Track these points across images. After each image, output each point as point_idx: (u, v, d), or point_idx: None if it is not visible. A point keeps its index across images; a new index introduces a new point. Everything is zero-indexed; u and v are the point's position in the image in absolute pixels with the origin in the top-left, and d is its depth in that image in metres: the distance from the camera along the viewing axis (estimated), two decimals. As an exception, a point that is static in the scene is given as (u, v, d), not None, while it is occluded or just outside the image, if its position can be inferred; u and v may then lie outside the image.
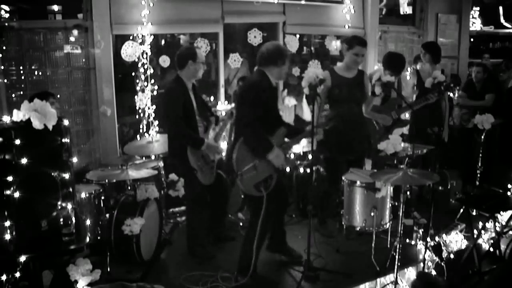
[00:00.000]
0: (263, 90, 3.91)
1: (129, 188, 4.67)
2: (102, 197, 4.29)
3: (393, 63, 5.40)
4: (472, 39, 9.79)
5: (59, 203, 2.87)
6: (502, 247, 4.63)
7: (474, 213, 5.28)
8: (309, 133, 4.03)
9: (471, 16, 9.70)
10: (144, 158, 5.29)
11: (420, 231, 4.64)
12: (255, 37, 6.55)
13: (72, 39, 5.54)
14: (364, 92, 4.98)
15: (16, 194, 2.72)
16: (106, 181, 4.50)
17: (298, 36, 7.04)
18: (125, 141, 5.94)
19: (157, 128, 5.89)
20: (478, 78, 7.11)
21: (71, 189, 2.93)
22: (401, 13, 8.40)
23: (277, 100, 4.30)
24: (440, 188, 5.73)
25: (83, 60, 5.62)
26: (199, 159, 4.45)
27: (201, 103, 4.63)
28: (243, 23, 6.91)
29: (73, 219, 2.93)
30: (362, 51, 4.81)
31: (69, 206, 2.91)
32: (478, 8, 10.33)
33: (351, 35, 5.63)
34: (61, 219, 2.88)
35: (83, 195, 4.10)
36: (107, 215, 4.32)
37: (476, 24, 10.25)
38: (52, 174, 2.84)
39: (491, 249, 4.66)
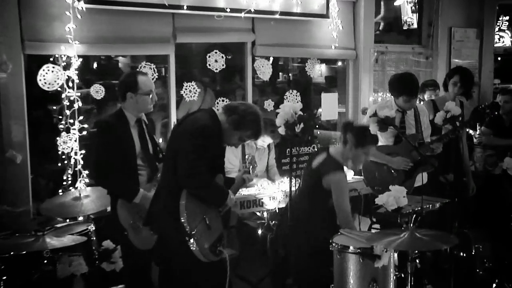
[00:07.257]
0: (215, 135, 4.13)
1: (45, 262, 4.61)
2: (4, 277, 4.18)
3: (396, 83, 5.53)
4: (499, 58, 9.88)
5: None
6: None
7: (512, 288, 5.23)
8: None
9: (496, 29, 9.73)
10: (68, 220, 5.23)
11: (437, 312, 4.57)
12: (216, 61, 6.50)
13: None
14: None
15: None
16: (12, 253, 4.25)
17: (271, 59, 7.09)
18: (42, 198, 5.73)
19: (86, 180, 5.74)
20: (506, 109, 7.06)
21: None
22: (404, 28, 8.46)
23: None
24: (461, 254, 5.61)
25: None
26: (131, 215, 4.41)
27: (149, 144, 4.62)
28: (200, 43, 6.95)
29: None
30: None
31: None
32: (507, 18, 10.16)
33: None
34: None
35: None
36: (13, 302, 4.19)
37: (505, 39, 10.18)
38: None
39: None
